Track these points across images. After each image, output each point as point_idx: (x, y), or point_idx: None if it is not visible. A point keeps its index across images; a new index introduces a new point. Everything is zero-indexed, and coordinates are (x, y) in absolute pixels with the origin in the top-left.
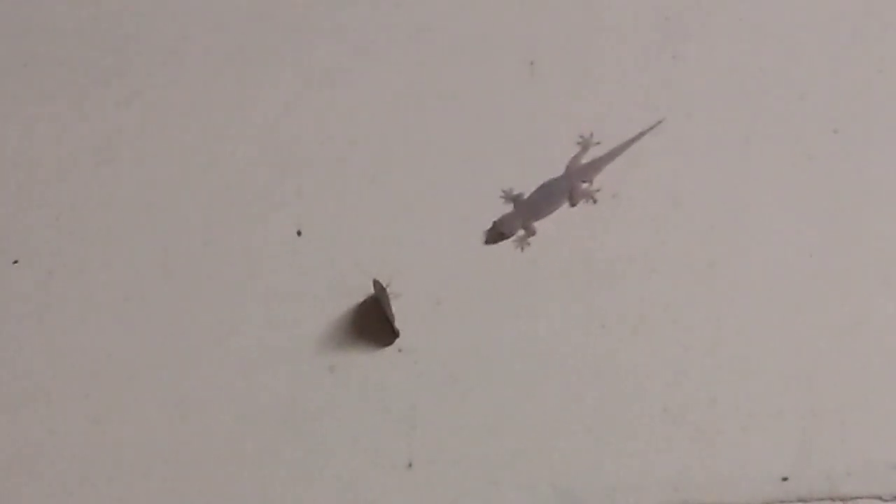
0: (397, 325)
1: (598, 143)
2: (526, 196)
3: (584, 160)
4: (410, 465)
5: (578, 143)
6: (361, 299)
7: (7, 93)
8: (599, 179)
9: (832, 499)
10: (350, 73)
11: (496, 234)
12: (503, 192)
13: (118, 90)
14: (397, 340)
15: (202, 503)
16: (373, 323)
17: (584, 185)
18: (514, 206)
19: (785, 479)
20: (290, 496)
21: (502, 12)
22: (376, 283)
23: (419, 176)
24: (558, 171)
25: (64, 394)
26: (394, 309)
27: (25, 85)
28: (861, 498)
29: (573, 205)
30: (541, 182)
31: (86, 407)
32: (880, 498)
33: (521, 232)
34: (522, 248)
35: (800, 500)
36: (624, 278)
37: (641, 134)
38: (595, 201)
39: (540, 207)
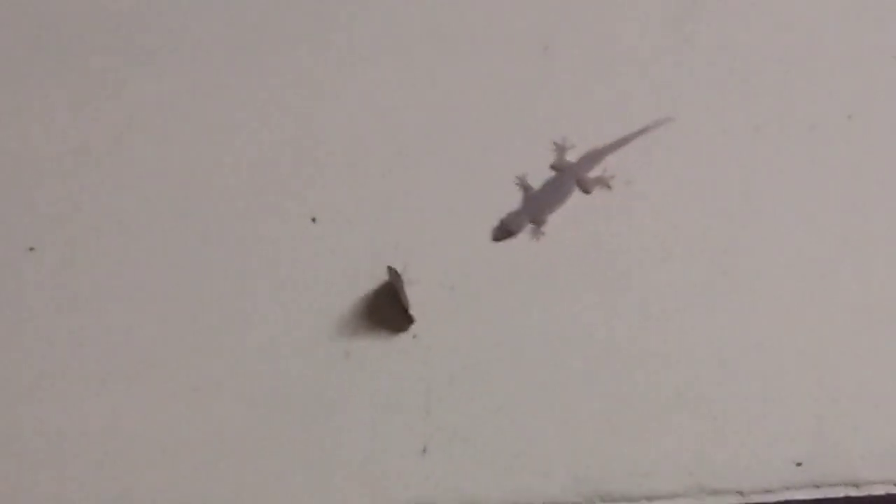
0: (412, 311)
1: (572, 147)
2: (533, 190)
3: (588, 150)
4: (425, 450)
5: (554, 150)
6: (376, 286)
7: (23, 81)
8: (613, 167)
9: (846, 484)
10: (365, 62)
11: (504, 232)
12: (517, 178)
13: (135, 77)
14: (412, 326)
15: (218, 488)
16: (387, 309)
17: (595, 175)
18: (522, 203)
19: (799, 464)
20: (306, 481)
21: None
22: (391, 270)
23: (434, 162)
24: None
25: (81, 380)
26: (408, 295)
27: (41, 73)
28: (876, 483)
29: (587, 192)
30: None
31: (103, 393)
32: (895, 483)
33: (529, 226)
34: (538, 239)
35: (814, 485)
36: (638, 264)
37: (646, 129)
38: (610, 188)
39: (546, 203)
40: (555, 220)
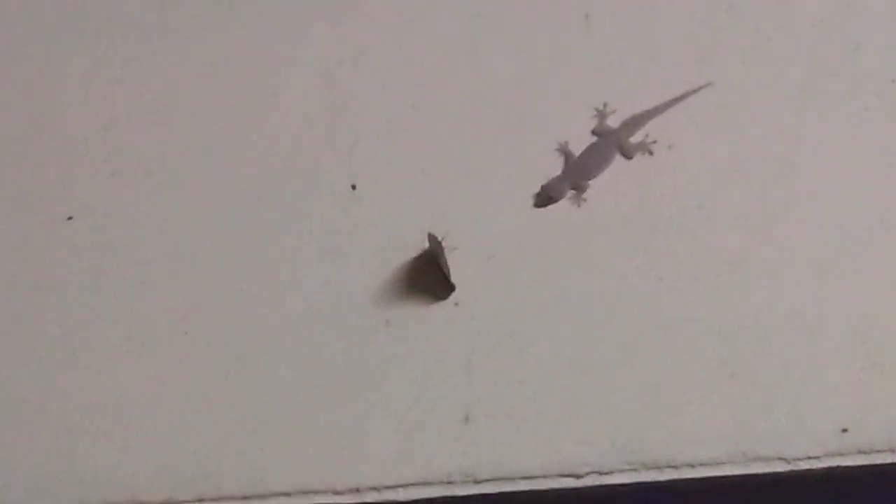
0: (453, 279)
1: (613, 112)
2: (575, 157)
3: (629, 116)
4: (467, 418)
5: (595, 116)
6: (417, 253)
7: (59, 50)
8: (655, 132)
9: (893, 450)
10: (406, 28)
11: (545, 198)
12: (559, 144)
13: (169, 45)
14: (453, 294)
15: (259, 457)
16: (428, 277)
17: (636, 140)
18: (563, 169)
19: (845, 430)
20: (346, 450)
21: None
22: (431, 237)
23: (474, 129)
24: (613, 123)
25: (121, 350)
26: (449, 263)
27: (80, 41)
28: None
29: (629, 157)
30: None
31: (143, 362)
32: None
33: (571, 193)
34: (579, 205)
35: (860, 452)
36: (681, 230)
37: (688, 93)
38: (651, 153)
39: (588, 169)
40: (596, 186)
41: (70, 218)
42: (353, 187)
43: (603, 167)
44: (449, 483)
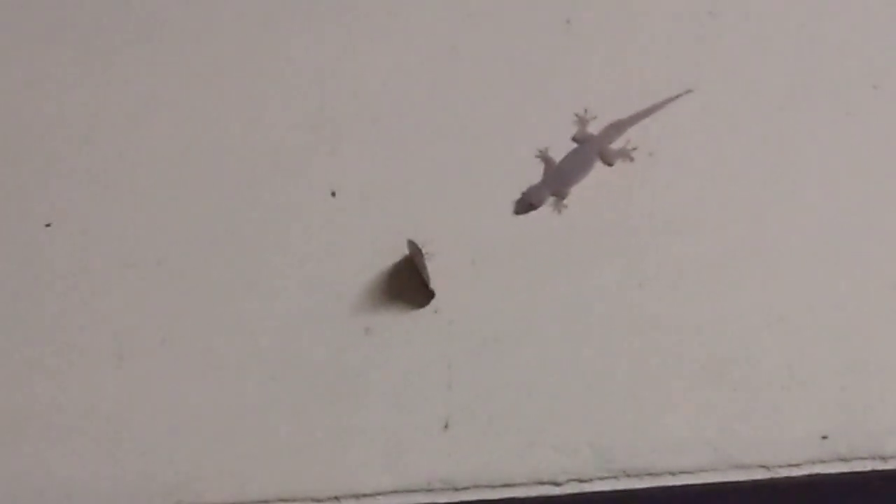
0: (433, 285)
1: (594, 119)
2: (555, 163)
3: (609, 122)
4: (447, 425)
5: (575, 122)
6: (396, 260)
7: (38, 55)
8: (636, 138)
9: (873, 457)
10: (384, 34)
11: (525, 205)
12: (539, 150)
13: (150, 51)
14: (433, 301)
15: (238, 465)
16: (408, 284)
17: (617, 146)
18: (543, 176)
19: (825, 437)
20: (326, 458)
21: None
22: (411, 244)
23: (454, 135)
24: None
25: (98, 358)
26: (429, 269)
27: (57, 47)
28: None
29: (610, 164)
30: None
31: (120, 369)
32: None
33: (551, 199)
34: (560, 211)
35: (840, 459)
36: (661, 236)
37: (669, 100)
38: (632, 160)
39: (568, 175)
40: (577, 192)
41: (48, 225)
42: (333, 194)
43: (583, 174)
44: (429, 490)
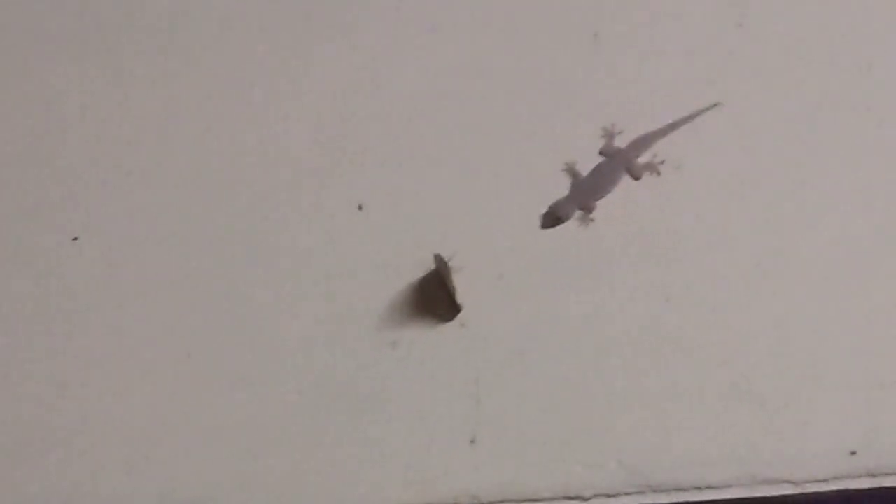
0: (459, 299)
1: (621, 133)
2: (582, 177)
3: (636, 136)
4: (473, 440)
5: (603, 136)
6: (423, 274)
7: (65, 71)
8: (663, 152)
9: None
10: (412, 47)
11: (552, 219)
12: (566, 164)
13: (177, 68)
14: (459, 315)
15: (264, 479)
16: (435, 298)
17: (644, 160)
18: (570, 190)
19: (853, 453)
20: (353, 472)
21: None
22: (438, 258)
23: (481, 149)
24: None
25: (124, 372)
26: (456, 283)
27: (85, 62)
28: None
29: (637, 178)
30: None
31: (147, 382)
32: None
33: (578, 213)
34: (587, 225)
35: (869, 475)
36: (689, 251)
37: (697, 113)
38: (659, 174)
39: (595, 189)
40: (604, 206)
41: (76, 238)
42: (360, 207)
43: (610, 187)
44: None
